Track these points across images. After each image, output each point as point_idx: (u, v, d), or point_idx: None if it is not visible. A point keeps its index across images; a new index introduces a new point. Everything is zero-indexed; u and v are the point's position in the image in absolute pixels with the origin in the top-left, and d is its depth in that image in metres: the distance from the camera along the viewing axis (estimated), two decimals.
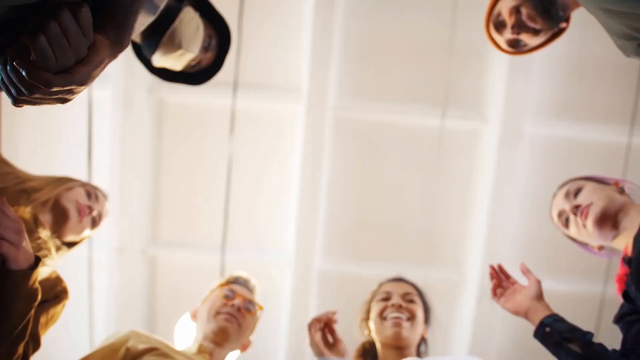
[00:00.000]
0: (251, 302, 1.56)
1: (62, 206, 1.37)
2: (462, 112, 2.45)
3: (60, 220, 1.37)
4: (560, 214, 1.44)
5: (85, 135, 2.34)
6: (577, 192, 1.39)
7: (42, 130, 2.47)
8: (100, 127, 2.43)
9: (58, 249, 1.39)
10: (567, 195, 1.41)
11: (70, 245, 1.48)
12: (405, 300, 1.56)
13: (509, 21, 1.41)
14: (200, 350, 1.42)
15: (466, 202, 2.54)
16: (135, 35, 1.46)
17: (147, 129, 2.64)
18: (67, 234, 1.40)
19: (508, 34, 1.44)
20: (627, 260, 1.20)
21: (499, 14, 1.45)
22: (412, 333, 1.52)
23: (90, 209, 1.44)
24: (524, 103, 2.37)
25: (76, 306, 2.26)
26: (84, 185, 1.47)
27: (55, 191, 1.38)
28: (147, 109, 2.61)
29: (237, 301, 1.51)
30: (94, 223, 1.47)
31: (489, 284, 1.49)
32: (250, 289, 1.62)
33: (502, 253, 2.36)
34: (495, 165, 2.39)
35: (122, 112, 2.52)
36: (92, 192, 1.47)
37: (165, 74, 1.61)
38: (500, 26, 1.46)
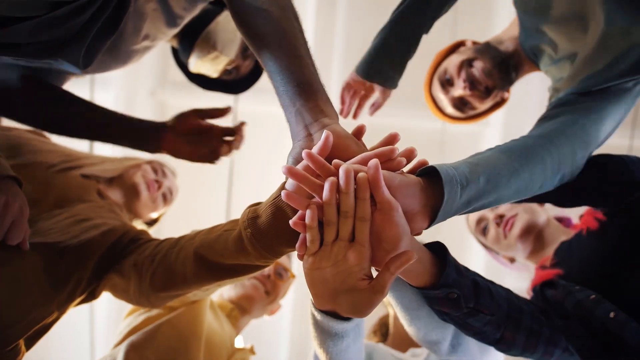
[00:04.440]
0: (284, 268, 1.46)
1: (130, 182, 1.29)
2: None
3: (131, 197, 1.29)
4: (479, 221, 1.36)
5: None
6: None
7: None
8: None
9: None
10: None
11: (149, 224, 1.43)
12: None
13: (459, 76, 1.31)
14: (230, 313, 1.37)
15: None
16: (171, 39, 1.43)
17: None
18: (141, 211, 1.33)
19: (458, 90, 1.34)
20: (553, 265, 1.09)
21: (445, 72, 1.36)
22: None
23: (159, 183, 1.37)
24: (525, 106, 2.37)
25: (77, 307, 2.25)
26: (149, 162, 1.41)
27: (121, 167, 1.31)
28: (149, 111, 2.61)
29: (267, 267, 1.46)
30: (166, 199, 1.41)
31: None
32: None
33: None
34: None
35: None
36: (158, 168, 1.41)
37: (204, 82, 1.56)
38: (447, 84, 1.37)
